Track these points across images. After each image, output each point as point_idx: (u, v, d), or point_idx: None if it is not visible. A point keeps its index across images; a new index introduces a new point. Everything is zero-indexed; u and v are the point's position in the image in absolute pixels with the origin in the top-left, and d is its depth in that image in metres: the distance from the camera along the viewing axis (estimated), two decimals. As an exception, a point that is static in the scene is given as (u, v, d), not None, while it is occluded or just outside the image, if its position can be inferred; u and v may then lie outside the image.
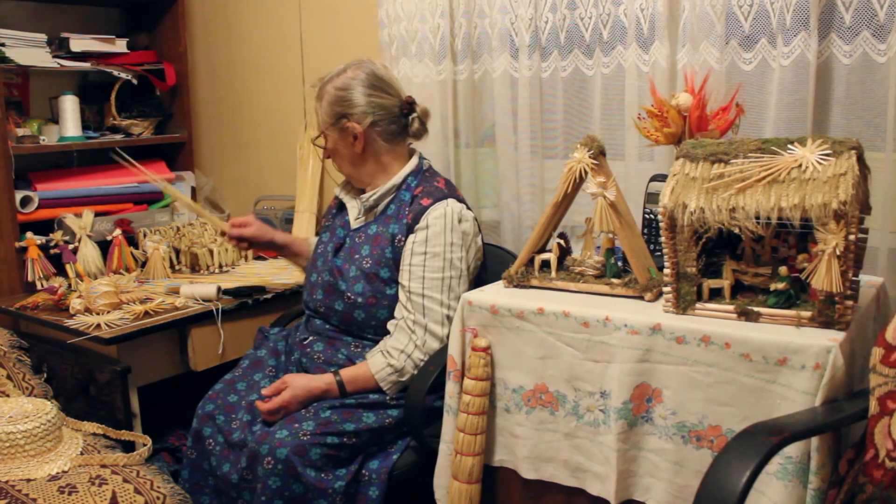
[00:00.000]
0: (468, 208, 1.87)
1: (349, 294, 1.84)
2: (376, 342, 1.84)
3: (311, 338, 1.93)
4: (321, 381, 1.77)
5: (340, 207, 1.99)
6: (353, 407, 1.75)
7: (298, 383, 1.76)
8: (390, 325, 1.82)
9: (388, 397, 1.77)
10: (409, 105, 1.88)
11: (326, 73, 1.89)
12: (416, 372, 1.76)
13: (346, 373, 1.79)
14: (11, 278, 2.45)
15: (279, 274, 2.47)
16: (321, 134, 1.90)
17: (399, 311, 1.81)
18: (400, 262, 1.81)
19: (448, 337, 1.75)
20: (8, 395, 1.98)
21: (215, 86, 3.04)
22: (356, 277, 1.84)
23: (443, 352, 1.75)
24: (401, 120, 1.87)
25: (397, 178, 1.87)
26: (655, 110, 1.67)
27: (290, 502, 1.64)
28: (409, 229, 1.81)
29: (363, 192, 1.92)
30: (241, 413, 1.81)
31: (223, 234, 2.10)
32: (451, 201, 1.81)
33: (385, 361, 1.76)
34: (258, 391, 1.86)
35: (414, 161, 1.90)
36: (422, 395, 1.70)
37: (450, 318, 1.77)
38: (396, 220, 1.83)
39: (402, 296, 1.80)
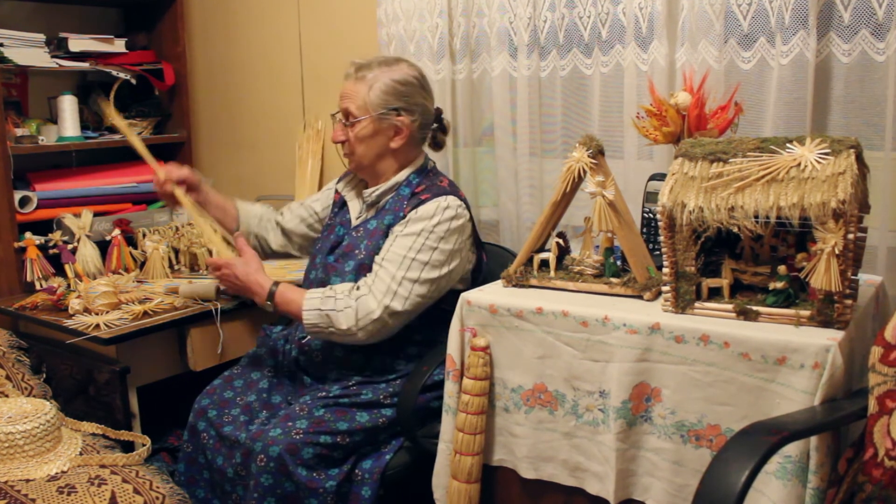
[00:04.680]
0: (467, 208, 1.86)
1: None
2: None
3: (308, 336, 1.92)
4: (260, 277, 1.81)
5: (342, 204, 1.99)
6: (346, 406, 1.75)
7: (243, 267, 1.81)
8: None
9: (381, 396, 1.77)
10: (439, 115, 1.92)
11: (371, 56, 1.86)
12: (335, 329, 1.72)
13: (284, 289, 1.79)
14: (10, 278, 2.45)
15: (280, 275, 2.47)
16: (357, 119, 1.81)
17: None
18: None
19: (389, 313, 1.71)
20: (7, 396, 1.97)
21: (214, 85, 3.03)
22: (350, 272, 1.83)
23: (438, 351, 1.74)
24: (431, 126, 1.90)
25: (401, 176, 1.87)
26: (654, 109, 1.67)
27: (281, 500, 1.65)
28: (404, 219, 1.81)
29: (365, 187, 1.91)
30: (235, 409, 1.82)
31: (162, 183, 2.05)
32: (451, 198, 1.81)
33: (320, 294, 1.75)
34: (255, 389, 1.86)
35: (419, 161, 1.91)
36: (414, 395, 1.70)
37: (397, 294, 1.71)
38: (393, 213, 1.83)
39: None
